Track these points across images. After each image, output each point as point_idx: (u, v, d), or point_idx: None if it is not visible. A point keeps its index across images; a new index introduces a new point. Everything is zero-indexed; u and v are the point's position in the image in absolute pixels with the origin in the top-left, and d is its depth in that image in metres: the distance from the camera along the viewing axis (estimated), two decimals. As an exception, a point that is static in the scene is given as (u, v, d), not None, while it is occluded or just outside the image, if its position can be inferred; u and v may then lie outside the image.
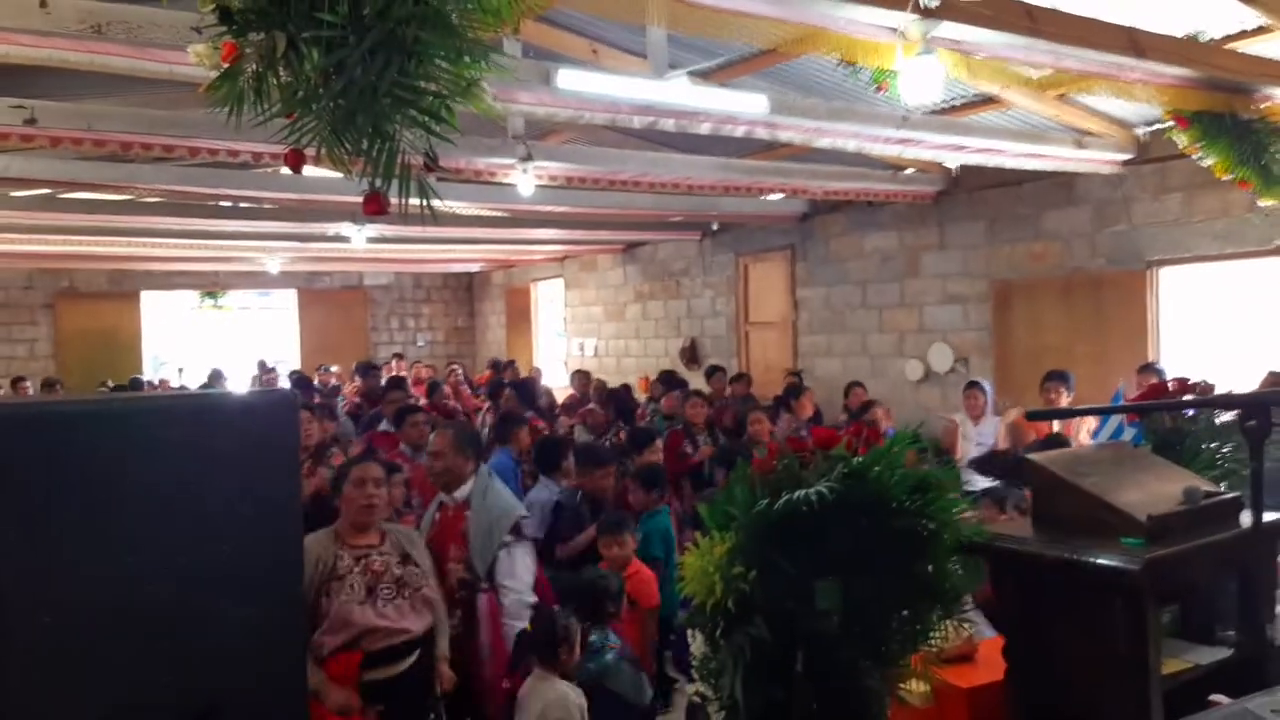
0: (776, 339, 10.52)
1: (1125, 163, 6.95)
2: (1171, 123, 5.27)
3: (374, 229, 9.50)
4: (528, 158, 6.07)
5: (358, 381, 10.71)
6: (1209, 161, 5.26)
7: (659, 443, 6.08)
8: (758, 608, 2.24)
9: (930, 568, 2.36)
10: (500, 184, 6.93)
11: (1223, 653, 2.64)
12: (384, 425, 7.16)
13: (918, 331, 8.87)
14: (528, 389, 8.72)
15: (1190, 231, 6.79)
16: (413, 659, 3.30)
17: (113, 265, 13.10)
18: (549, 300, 15.21)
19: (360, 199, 2.33)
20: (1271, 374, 5.57)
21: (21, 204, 7.70)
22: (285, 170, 5.61)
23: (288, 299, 15.89)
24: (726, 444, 6.64)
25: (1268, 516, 2.23)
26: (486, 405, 9.45)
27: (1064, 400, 6.15)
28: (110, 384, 10.83)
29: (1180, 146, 5.36)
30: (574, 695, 3.26)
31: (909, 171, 8.22)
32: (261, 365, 12.84)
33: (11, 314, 13.65)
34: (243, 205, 8.31)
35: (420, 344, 16.63)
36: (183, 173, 6.60)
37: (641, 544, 4.45)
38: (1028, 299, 7.86)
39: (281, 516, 2.60)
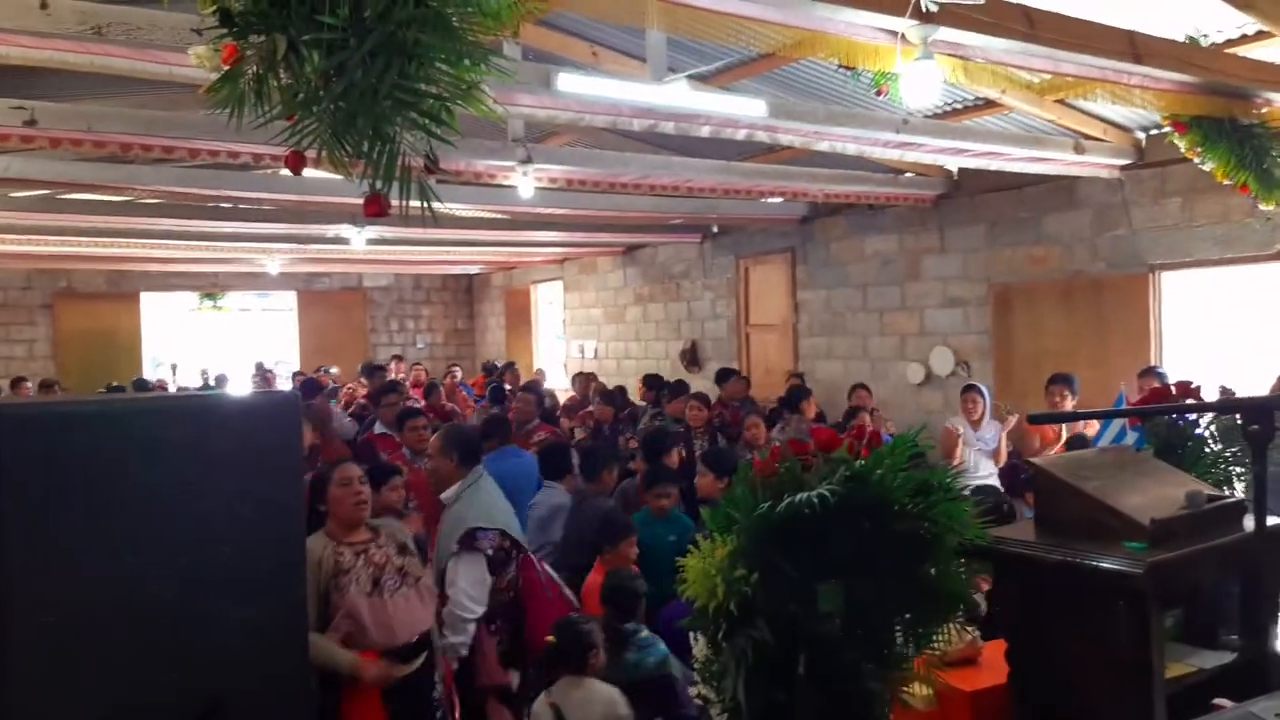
0: (777, 341, 10.52)
1: (1125, 167, 6.95)
2: (1170, 128, 5.28)
3: (374, 231, 9.50)
4: (528, 160, 6.07)
5: (363, 382, 10.72)
6: (1209, 166, 5.26)
7: (674, 452, 6.01)
8: (760, 610, 2.23)
9: (933, 571, 2.35)
10: (500, 186, 6.94)
11: (1226, 657, 2.63)
12: (379, 428, 7.16)
13: (918, 335, 8.87)
14: (540, 393, 8.72)
15: (1191, 236, 6.79)
16: (423, 658, 3.30)
17: (112, 266, 13.09)
18: (549, 302, 15.20)
19: (360, 201, 2.33)
20: None
21: (21, 205, 7.69)
22: (285, 172, 5.63)
23: (287, 300, 15.89)
24: (718, 448, 6.62)
25: (1271, 520, 2.23)
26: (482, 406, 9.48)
27: (1069, 404, 6.15)
28: (110, 385, 10.82)
29: (1181, 151, 5.36)
30: (618, 694, 3.30)
31: (909, 175, 8.22)
32: (259, 367, 12.83)
33: (10, 314, 13.63)
34: (242, 207, 8.30)
35: (420, 346, 16.62)
36: (182, 174, 6.59)
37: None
38: (1028, 302, 7.86)
39: (283, 518, 2.60)
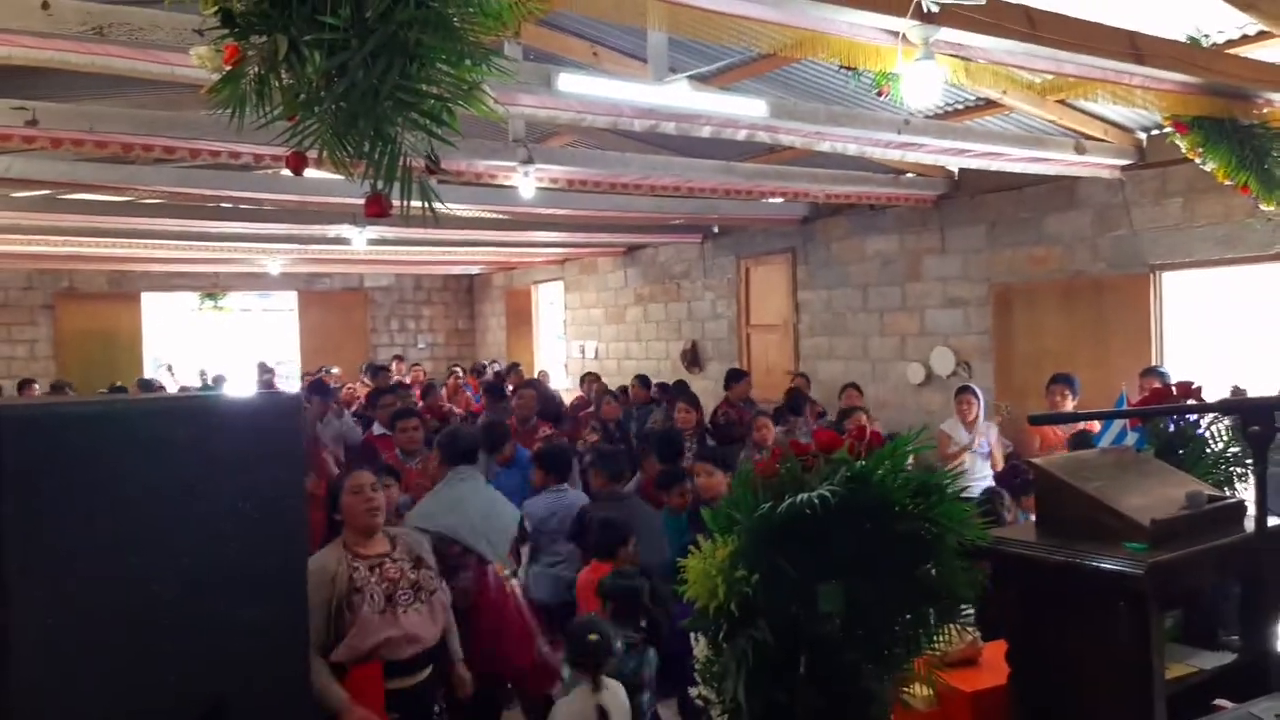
0: (778, 342, 10.52)
1: (1126, 167, 6.95)
2: (1171, 128, 5.28)
3: (375, 231, 9.51)
4: (529, 160, 6.07)
5: (365, 382, 10.72)
6: (1210, 166, 5.26)
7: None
8: (760, 611, 2.23)
9: (934, 571, 2.35)
10: (501, 186, 6.94)
11: (1226, 657, 2.64)
12: (378, 429, 7.18)
13: (919, 335, 8.87)
14: (545, 390, 8.73)
15: (1192, 236, 6.79)
16: (430, 670, 3.29)
17: (113, 266, 13.10)
18: (549, 303, 15.21)
19: (361, 201, 2.32)
20: None
21: (22, 205, 7.70)
22: (286, 172, 5.63)
23: (288, 300, 15.90)
24: (711, 447, 6.62)
25: (1271, 521, 2.23)
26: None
27: (1069, 404, 6.14)
28: (113, 385, 10.81)
29: (1182, 151, 5.36)
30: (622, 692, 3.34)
31: (910, 175, 8.22)
32: (261, 367, 12.84)
33: (11, 315, 13.65)
34: (243, 207, 8.31)
35: (420, 346, 16.63)
36: (183, 174, 6.60)
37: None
38: (1029, 303, 7.86)
39: (286, 518, 2.60)
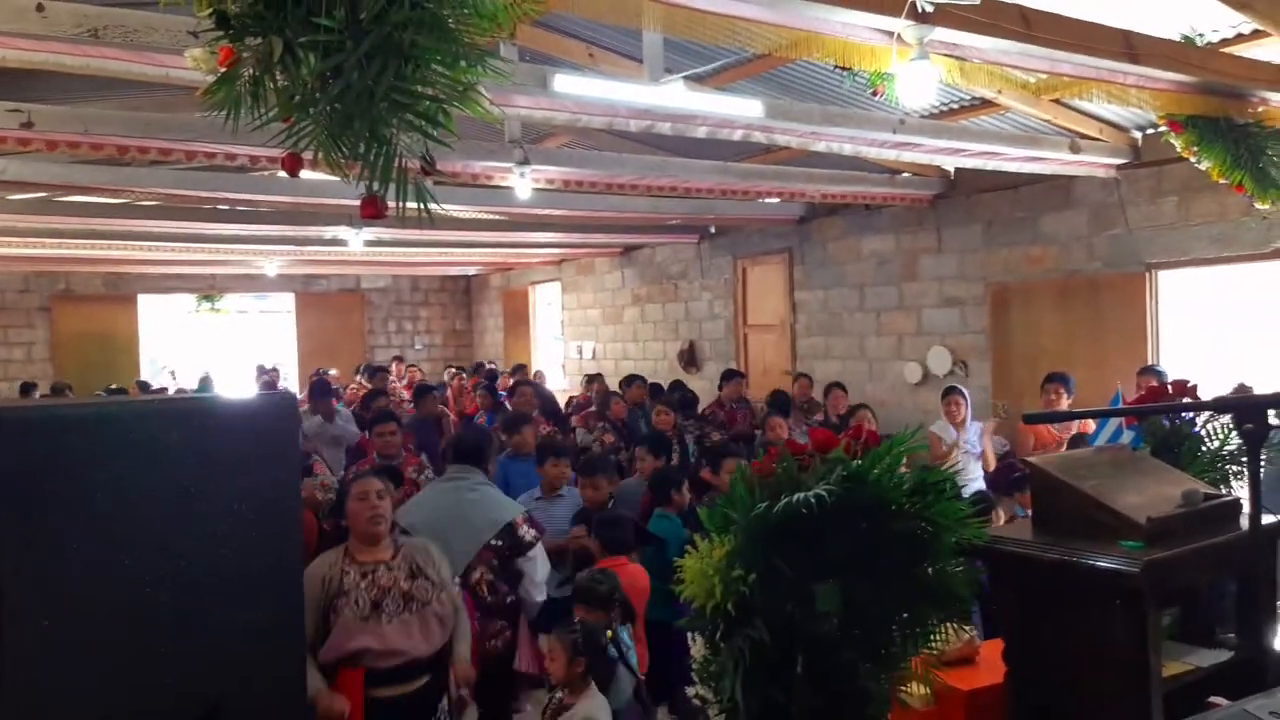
0: (775, 341, 10.52)
1: (1121, 166, 6.96)
2: (1166, 127, 5.29)
3: (371, 232, 9.50)
4: (525, 161, 6.07)
5: (362, 383, 10.71)
6: (1205, 165, 5.27)
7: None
8: (757, 610, 2.24)
9: (930, 570, 2.36)
10: (497, 187, 6.94)
11: (1223, 655, 2.64)
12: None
13: (915, 334, 8.88)
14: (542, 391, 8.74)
15: (1187, 235, 6.80)
16: (423, 681, 3.24)
17: (109, 268, 13.09)
18: (547, 303, 15.21)
19: (357, 202, 2.33)
20: None
21: (18, 207, 7.69)
22: (282, 174, 5.62)
23: (285, 302, 15.89)
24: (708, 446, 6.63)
25: (1266, 519, 2.23)
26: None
27: (1064, 402, 6.13)
28: (110, 388, 10.79)
29: (1177, 150, 5.37)
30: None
31: (906, 175, 8.23)
32: (260, 369, 12.83)
33: (8, 317, 13.63)
34: (239, 209, 8.30)
35: (418, 347, 16.63)
36: (179, 176, 6.59)
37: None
38: (1025, 302, 7.87)
39: (281, 518, 2.60)
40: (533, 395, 7.59)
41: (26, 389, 11.15)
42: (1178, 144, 5.28)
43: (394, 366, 13.09)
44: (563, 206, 8.48)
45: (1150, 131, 6.68)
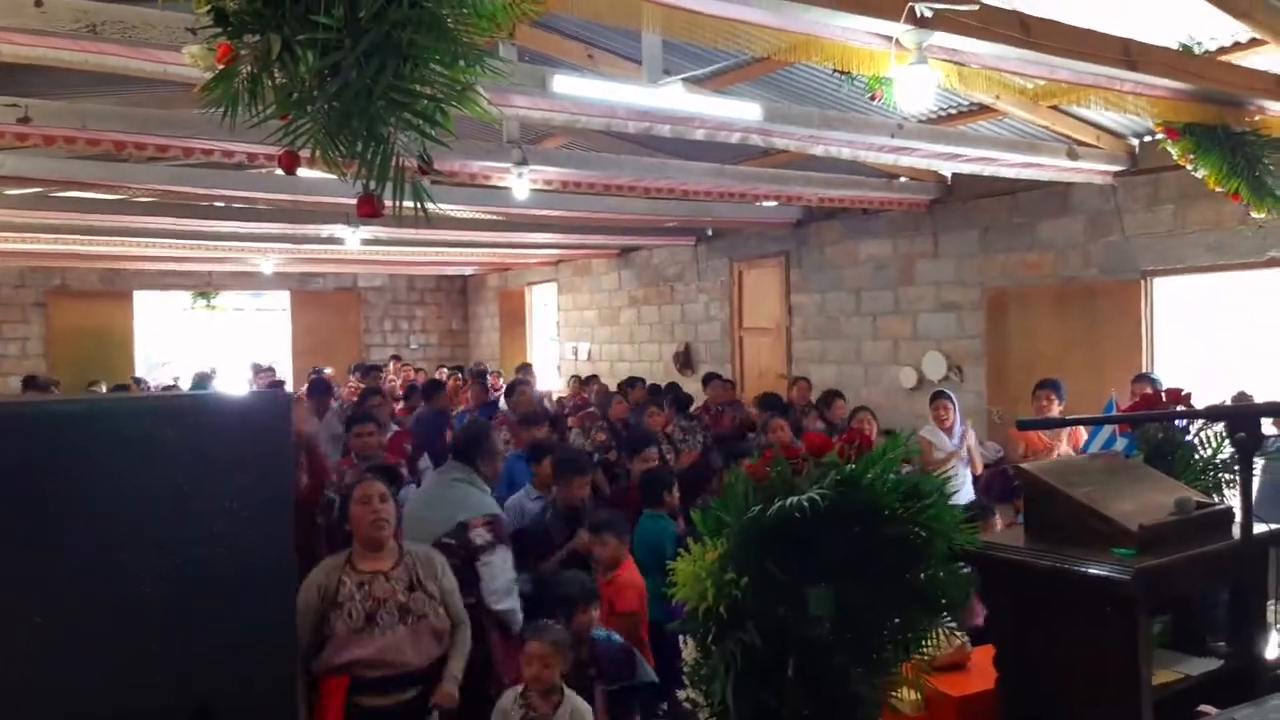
0: (771, 345, 10.53)
1: (1118, 173, 6.98)
2: (1163, 135, 5.30)
3: (368, 231, 9.49)
4: (523, 162, 6.07)
5: (357, 382, 10.68)
6: (1201, 173, 5.28)
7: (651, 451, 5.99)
8: (749, 614, 2.23)
9: (923, 575, 2.35)
10: (495, 188, 6.94)
11: (1213, 664, 2.64)
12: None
13: (911, 339, 8.89)
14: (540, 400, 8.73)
15: (1183, 242, 6.81)
16: (414, 693, 3.20)
17: (105, 264, 13.06)
18: (543, 304, 15.21)
19: (354, 201, 2.32)
20: None
21: (14, 202, 7.67)
22: (279, 171, 5.61)
23: (281, 300, 15.86)
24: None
25: (1258, 528, 2.24)
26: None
27: (1055, 408, 6.12)
28: (104, 385, 10.75)
29: (1174, 157, 5.38)
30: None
31: (903, 179, 8.24)
32: (255, 367, 12.80)
33: (3, 312, 13.60)
34: (236, 206, 8.30)
35: (414, 347, 16.61)
36: (176, 173, 6.58)
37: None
38: (1021, 308, 7.88)
39: (274, 516, 2.60)
40: (531, 394, 7.58)
41: (32, 383, 11.04)
42: (1174, 151, 5.30)
43: (391, 366, 13.06)
44: (560, 207, 8.48)
45: (1147, 139, 6.70)
